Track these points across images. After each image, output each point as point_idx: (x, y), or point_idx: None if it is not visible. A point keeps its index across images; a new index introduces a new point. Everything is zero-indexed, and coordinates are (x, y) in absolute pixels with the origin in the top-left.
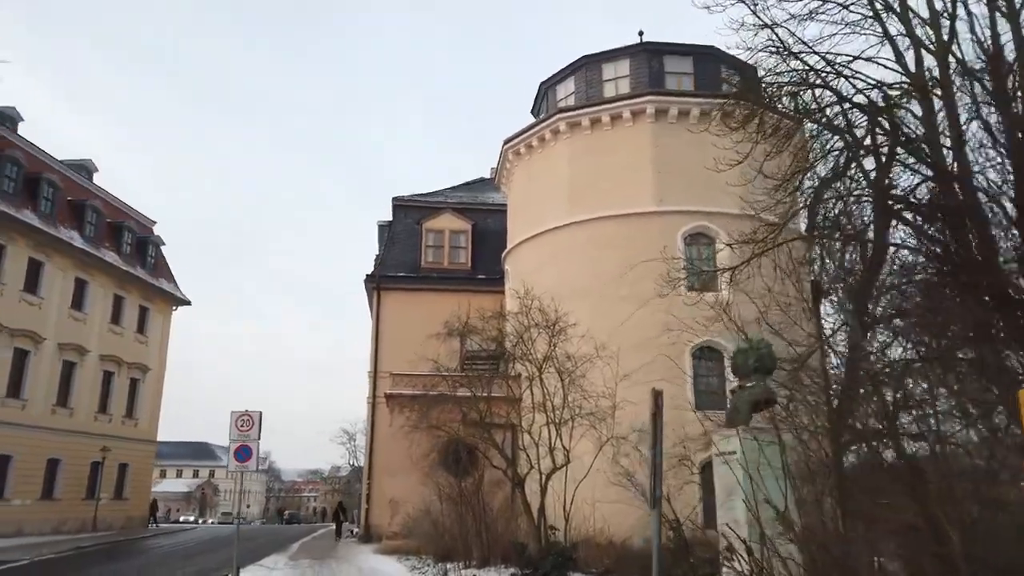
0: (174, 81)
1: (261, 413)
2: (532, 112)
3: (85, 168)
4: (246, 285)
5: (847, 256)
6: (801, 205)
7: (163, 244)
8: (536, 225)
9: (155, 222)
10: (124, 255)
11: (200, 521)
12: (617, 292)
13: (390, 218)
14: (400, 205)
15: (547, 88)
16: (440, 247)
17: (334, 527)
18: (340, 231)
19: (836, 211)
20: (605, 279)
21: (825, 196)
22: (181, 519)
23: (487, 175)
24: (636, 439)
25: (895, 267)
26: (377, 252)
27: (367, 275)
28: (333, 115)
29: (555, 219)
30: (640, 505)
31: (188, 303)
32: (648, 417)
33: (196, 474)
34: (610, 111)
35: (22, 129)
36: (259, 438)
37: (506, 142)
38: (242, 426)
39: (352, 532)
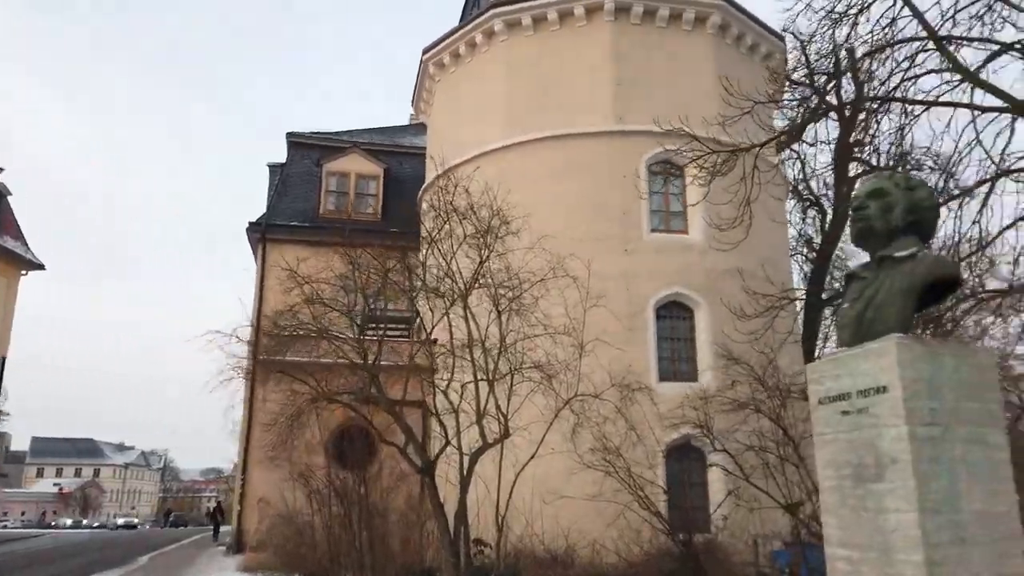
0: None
1: None
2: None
3: None
4: (142, 260)
5: None
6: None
7: (9, 194)
8: (463, 151)
9: (1, 168)
10: None
11: (69, 525)
12: (566, 231)
13: (284, 159)
14: (297, 143)
15: None
16: (344, 194)
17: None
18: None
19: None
20: (549, 215)
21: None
22: (52, 524)
23: (406, 123)
24: (622, 398)
25: None
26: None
27: (250, 223)
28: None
29: (488, 142)
30: (623, 501)
31: (41, 267)
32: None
33: (78, 473)
34: (558, 6)
35: None
36: None
37: (426, 52)
38: None
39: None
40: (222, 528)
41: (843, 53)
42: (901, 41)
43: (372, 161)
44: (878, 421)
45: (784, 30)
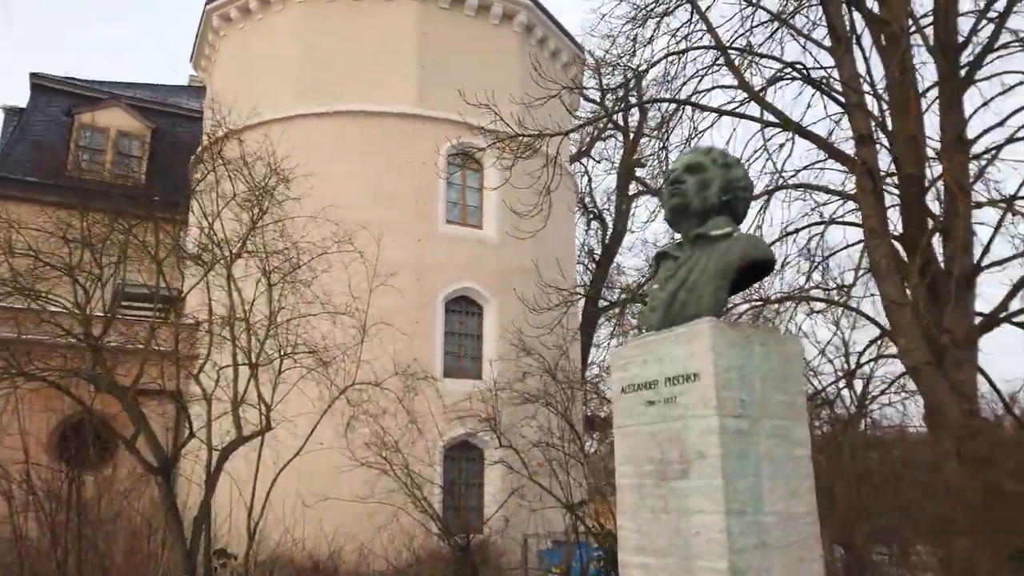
0: None
1: None
2: None
3: None
4: None
5: None
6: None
7: None
8: (248, 115)
9: None
10: None
11: None
12: (356, 212)
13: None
14: (43, 86)
15: None
16: (101, 151)
17: None
18: None
19: None
20: (338, 192)
21: None
22: None
23: (185, 83)
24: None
25: None
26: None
27: None
28: None
29: (276, 109)
30: (397, 502)
31: None
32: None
33: None
34: None
35: None
36: None
37: (210, 2)
38: None
39: None
40: None
41: (631, 75)
42: (693, 48)
43: (138, 118)
44: (686, 412)
45: (580, 45)
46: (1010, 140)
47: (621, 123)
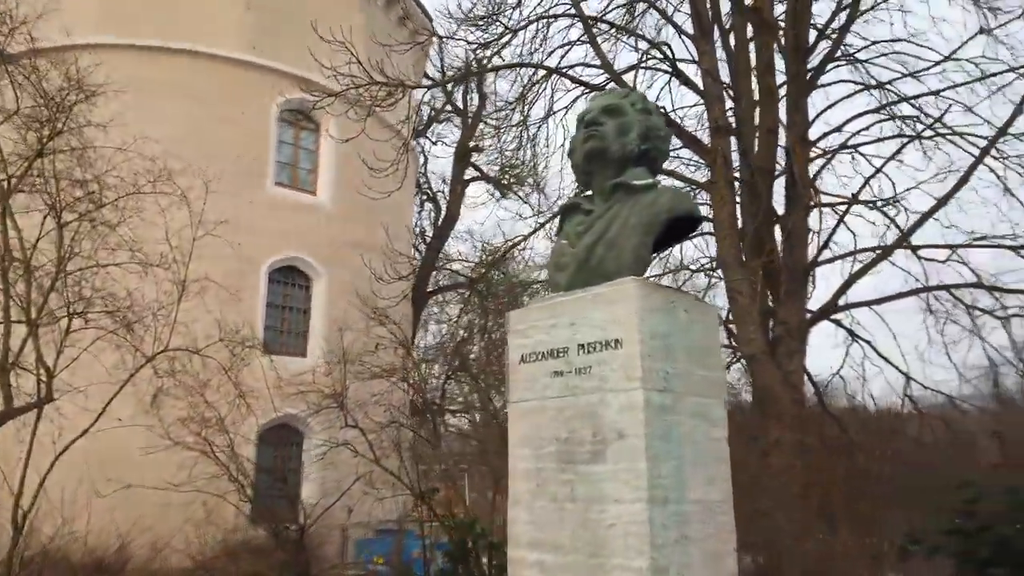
0: None
1: None
2: None
3: None
4: None
5: None
6: None
7: None
8: (54, 37)
9: None
10: None
11: None
12: (171, 162)
13: None
14: None
15: None
16: None
17: None
18: None
19: None
20: (155, 132)
21: None
22: None
23: None
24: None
25: None
26: None
27: None
28: None
29: (87, 33)
30: (207, 488)
31: None
32: None
33: None
34: None
35: None
36: None
37: None
38: None
39: None
40: None
41: (472, 57)
42: (547, 17)
43: None
44: (603, 384)
45: (429, 15)
46: (843, 146)
47: (460, 105)
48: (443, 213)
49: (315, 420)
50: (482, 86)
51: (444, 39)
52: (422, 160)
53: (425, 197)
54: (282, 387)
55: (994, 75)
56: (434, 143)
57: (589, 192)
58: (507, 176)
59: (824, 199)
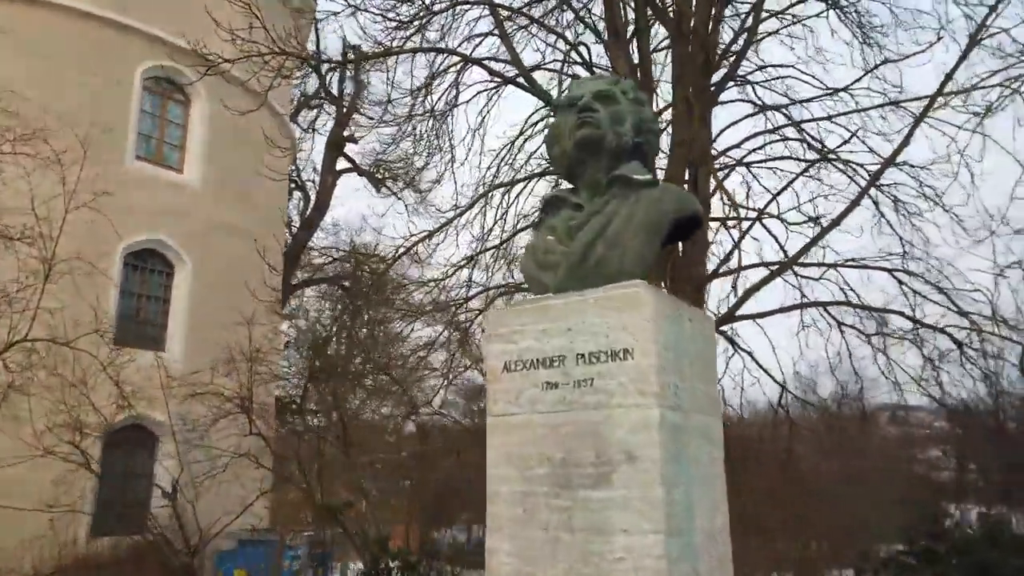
0: None
1: None
2: None
3: None
4: None
5: None
6: None
7: None
8: None
9: None
10: None
11: None
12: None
13: None
14: None
15: None
16: None
17: None
18: None
19: None
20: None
21: None
22: None
23: None
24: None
25: None
26: None
27: None
28: None
29: None
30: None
31: None
32: None
33: None
34: None
35: None
36: None
37: None
38: None
39: None
40: None
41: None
42: (460, 4)
43: None
44: (610, 399)
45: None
46: (739, 162)
47: (335, 92)
48: (312, 203)
49: (167, 421)
50: (358, 73)
51: (355, 13)
52: (288, 146)
53: (294, 185)
54: (175, 387)
55: (879, 107)
56: (305, 130)
57: (571, 185)
58: (382, 171)
59: (727, 212)
